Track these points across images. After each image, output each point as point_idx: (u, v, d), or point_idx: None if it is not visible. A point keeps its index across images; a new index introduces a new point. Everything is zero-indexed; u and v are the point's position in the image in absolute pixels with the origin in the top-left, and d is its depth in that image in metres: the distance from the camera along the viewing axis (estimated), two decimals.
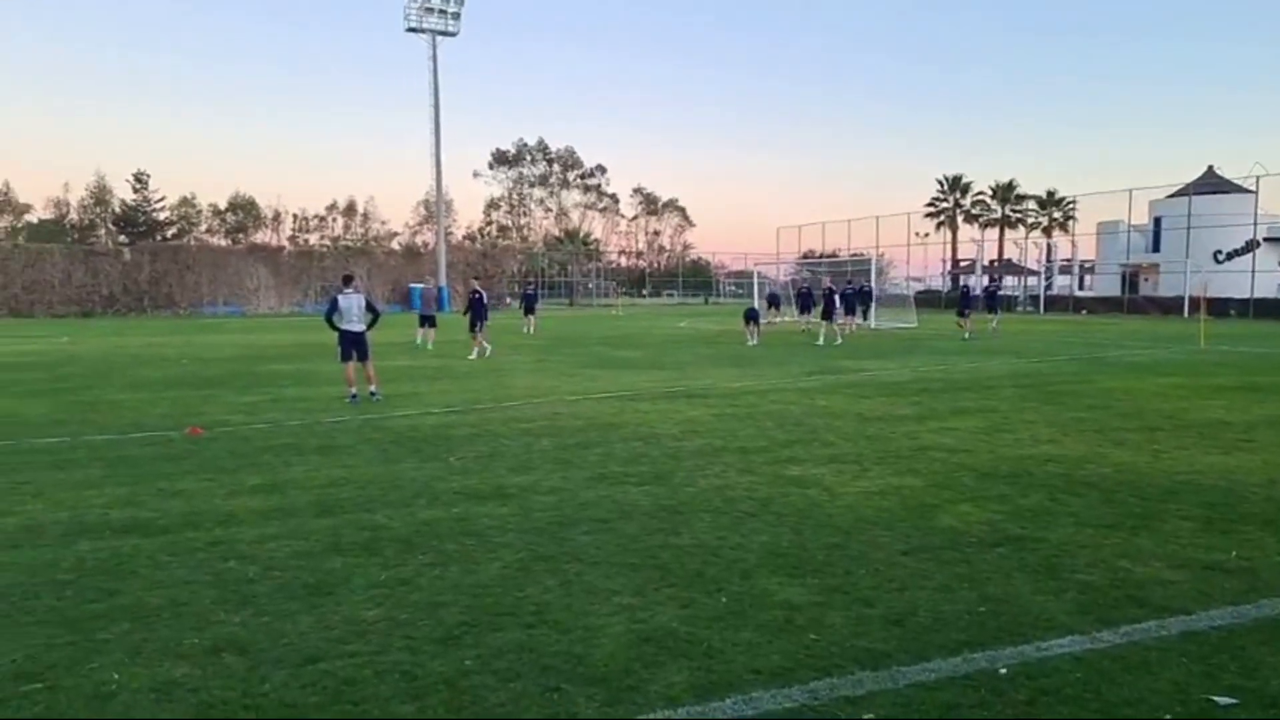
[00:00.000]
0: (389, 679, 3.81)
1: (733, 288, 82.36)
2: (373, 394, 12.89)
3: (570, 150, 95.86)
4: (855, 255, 48.70)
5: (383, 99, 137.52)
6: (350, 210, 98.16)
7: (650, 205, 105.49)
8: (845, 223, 63.15)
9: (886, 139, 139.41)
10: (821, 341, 23.93)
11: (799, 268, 55.57)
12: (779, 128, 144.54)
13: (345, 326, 12.90)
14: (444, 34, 54.99)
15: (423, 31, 54.59)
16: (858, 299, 32.81)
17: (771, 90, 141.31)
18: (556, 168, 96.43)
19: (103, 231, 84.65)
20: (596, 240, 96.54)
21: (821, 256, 58.01)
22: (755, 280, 45.91)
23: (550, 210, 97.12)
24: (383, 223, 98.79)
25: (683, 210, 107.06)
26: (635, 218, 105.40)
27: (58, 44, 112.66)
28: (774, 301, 37.57)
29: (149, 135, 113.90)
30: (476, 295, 21.34)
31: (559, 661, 3.97)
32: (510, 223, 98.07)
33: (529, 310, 32.49)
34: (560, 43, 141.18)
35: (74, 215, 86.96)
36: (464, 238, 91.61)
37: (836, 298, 25.43)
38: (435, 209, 63.09)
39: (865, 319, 32.90)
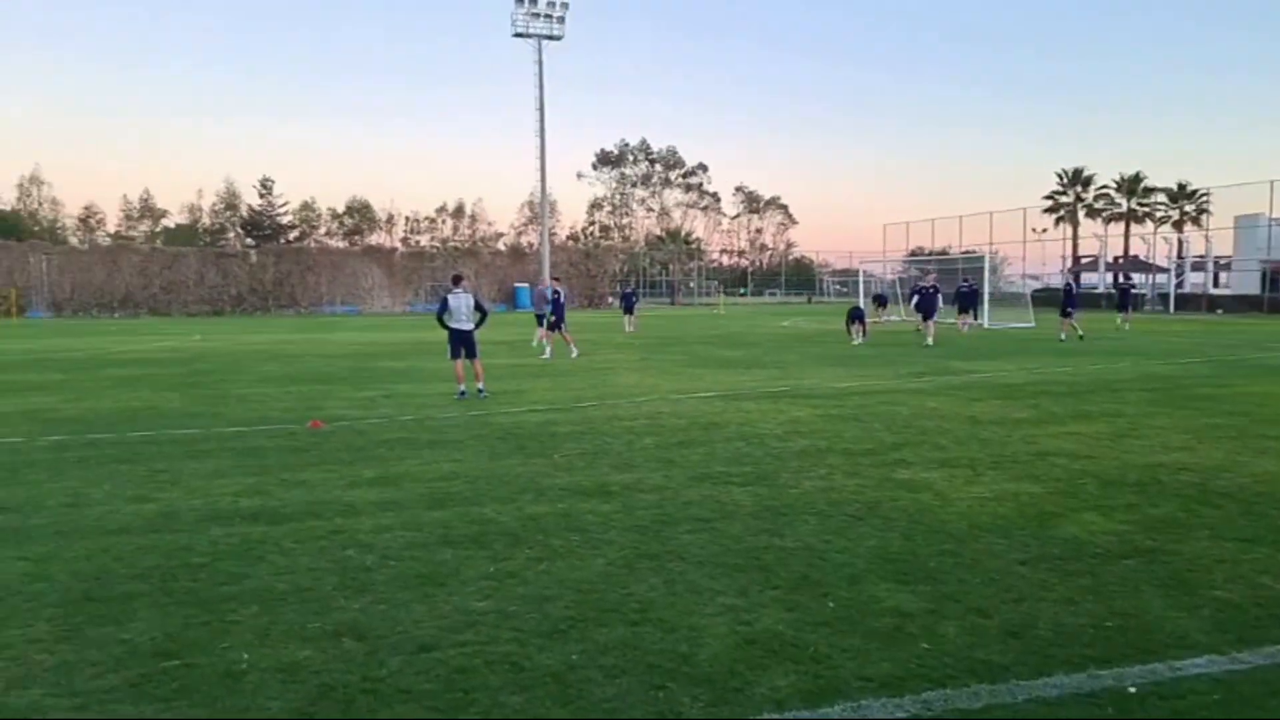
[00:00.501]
0: (498, 670, 3.90)
1: (837, 286, 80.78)
2: (480, 391, 13.22)
3: (672, 150, 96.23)
4: (967, 252, 46.97)
5: (490, 103, 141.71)
6: (459, 212, 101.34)
7: (752, 203, 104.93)
8: (956, 218, 60.67)
9: (1000, 132, 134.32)
10: (930, 342, 23.24)
11: (907, 265, 53.95)
12: (885, 122, 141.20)
13: (455, 325, 13.30)
14: (549, 38, 55.92)
15: (529, 36, 55.66)
16: (971, 298, 31.76)
17: (877, 84, 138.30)
18: (658, 167, 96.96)
19: (232, 235, 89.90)
20: (698, 239, 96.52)
21: (931, 254, 56.15)
22: (860, 278, 44.99)
23: (652, 210, 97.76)
24: (489, 224, 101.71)
25: (785, 208, 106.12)
26: (737, 216, 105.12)
27: (190, 59, 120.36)
28: (881, 301, 36.68)
29: (274, 143, 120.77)
30: (555, 295, 21.56)
31: (664, 660, 3.97)
32: (613, 223, 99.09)
33: (628, 309, 32.84)
34: (663, 43, 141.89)
35: (206, 220, 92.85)
36: (567, 238, 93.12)
37: (939, 296, 24.68)
38: (540, 210, 64.27)
39: (977, 318, 31.82)
